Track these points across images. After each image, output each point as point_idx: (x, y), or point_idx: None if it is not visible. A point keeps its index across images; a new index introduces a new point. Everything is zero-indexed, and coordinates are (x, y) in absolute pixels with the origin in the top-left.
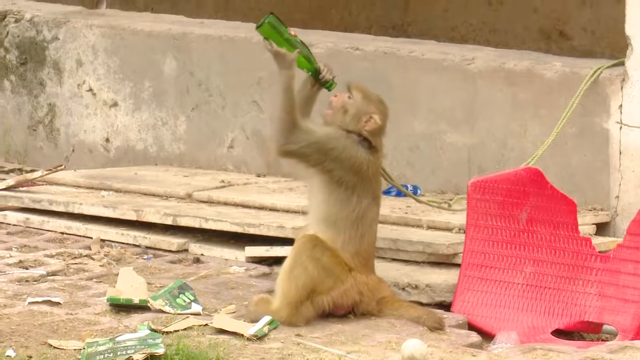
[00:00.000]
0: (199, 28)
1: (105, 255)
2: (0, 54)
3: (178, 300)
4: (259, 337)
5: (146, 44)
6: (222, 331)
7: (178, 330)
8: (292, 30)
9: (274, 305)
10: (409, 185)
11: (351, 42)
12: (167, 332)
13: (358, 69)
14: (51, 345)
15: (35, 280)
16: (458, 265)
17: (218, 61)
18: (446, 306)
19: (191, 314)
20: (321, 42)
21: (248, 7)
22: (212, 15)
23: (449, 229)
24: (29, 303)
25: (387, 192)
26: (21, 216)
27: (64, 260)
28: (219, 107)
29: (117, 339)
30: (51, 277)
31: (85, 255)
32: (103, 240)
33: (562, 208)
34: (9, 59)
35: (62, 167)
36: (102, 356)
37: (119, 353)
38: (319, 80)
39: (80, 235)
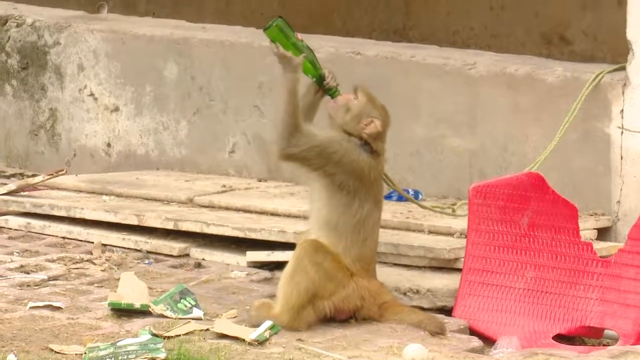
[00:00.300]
0: (201, 33)
1: (107, 260)
2: (2, 58)
3: (179, 305)
4: (260, 342)
5: (147, 48)
6: (223, 336)
7: (179, 335)
8: (299, 35)
9: (276, 310)
10: (410, 190)
11: (353, 47)
12: (169, 337)
13: (359, 73)
14: (52, 350)
15: (37, 285)
16: (459, 270)
17: (219, 66)
18: (447, 311)
19: (192, 319)
20: (323, 46)
21: (249, 12)
22: (214, 20)
23: (451, 234)
24: (30, 308)
25: (388, 197)
26: (22, 221)
27: (65, 264)
28: (221, 111)
29: (118, 344)
30: (52, 282)
31: (87, 260)
32: (104, 245)
33: (564, 213)
34: (10, 63)
35: (64, 171)
36: None
37: (120, 358)
38: (322, 87)
39: (81, 240)
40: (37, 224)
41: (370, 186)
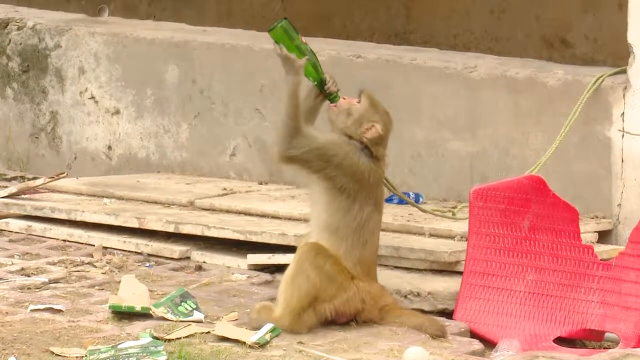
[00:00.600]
0: (201, 36)
1: (108, 262)
2: (3, 61)
3: (180, 308)
4: (261, 345)
5: (148, 51)
6: (224, 339)
7: (180, 338)
8: (304, 38)
9: (276, 312)
10: (411, 193)
11: (353, 50)
12: (169, 340)
13: (360, 76)
14: (53, 353)
15: (38, 288)
16: (460, 272)
17: (220, 69)
18: (448, 314)
19: (193, 322)
20: (323, 49)
21: (250, 15)
22: (214, 23)
23: (451, 237)
24: (31, 310)
25: (389, 200)
26: (23, 224)
27: (66, 267)
28: (221, 114)
29: (119, 347)
30: (53, 285)
31: (88, 263)
32: (105, 248)
33: (564, 216)
34: (11, 66)
35: (64, 174)
36: None
37: None
38: (323, 91)
39: (82, 243)
40: (37, 226)
41: (371, 189)
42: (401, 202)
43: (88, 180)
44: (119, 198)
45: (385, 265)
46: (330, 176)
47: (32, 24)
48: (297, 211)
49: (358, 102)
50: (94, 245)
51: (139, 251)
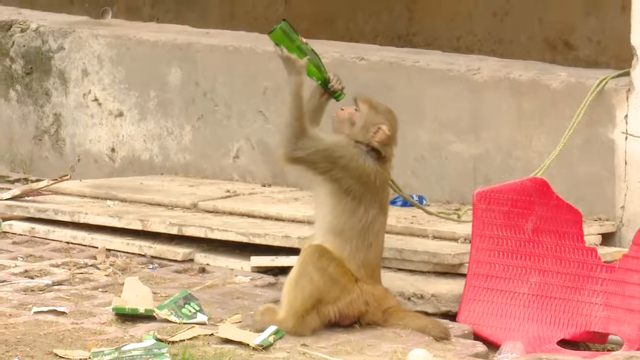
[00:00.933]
0: (205, 38)
1: (111, 264)
2: (6, 63)
3: (183, 310)
4: (265, 347)
5: (151, 54)
6: (227, 341)
7: (184, 340)
8: (304, 39)
9: (280, 315)
10: (414, 196)
11: (356, 52)
12: (173, 342)
13: (363, 79)
14: (57, 355)
15: (41, 290)
16: (464, 275)
17: (223, 71)
18: (452, 316)
19: (197, 324)
20: (327, 52)
21: (253, 18)
22: (217, 25)
23: (455, 239)
24: (35, 312)
25: (392, 202)
26: (27, 226)
27: (70, 269)
28: (225, 117)
29: (122, 349)
30: (57, 287)
31: (91, 265)
32: (108, 250)
33: (568, 218)
34: (14, 68)
35: (68, 176)
36: None
37: None
38: (328, 90)
39: (85, 245)
40: (41, 229)
41: (376, 192)
42: (405, 204)
43: (91, 183)
44: (123, 200)
45: (389, 268)
46: (336, 178)
47: (36, 26)
48: (300, 213)
49: (356, 110)
50: (97, 248)
51: (143, 253)
